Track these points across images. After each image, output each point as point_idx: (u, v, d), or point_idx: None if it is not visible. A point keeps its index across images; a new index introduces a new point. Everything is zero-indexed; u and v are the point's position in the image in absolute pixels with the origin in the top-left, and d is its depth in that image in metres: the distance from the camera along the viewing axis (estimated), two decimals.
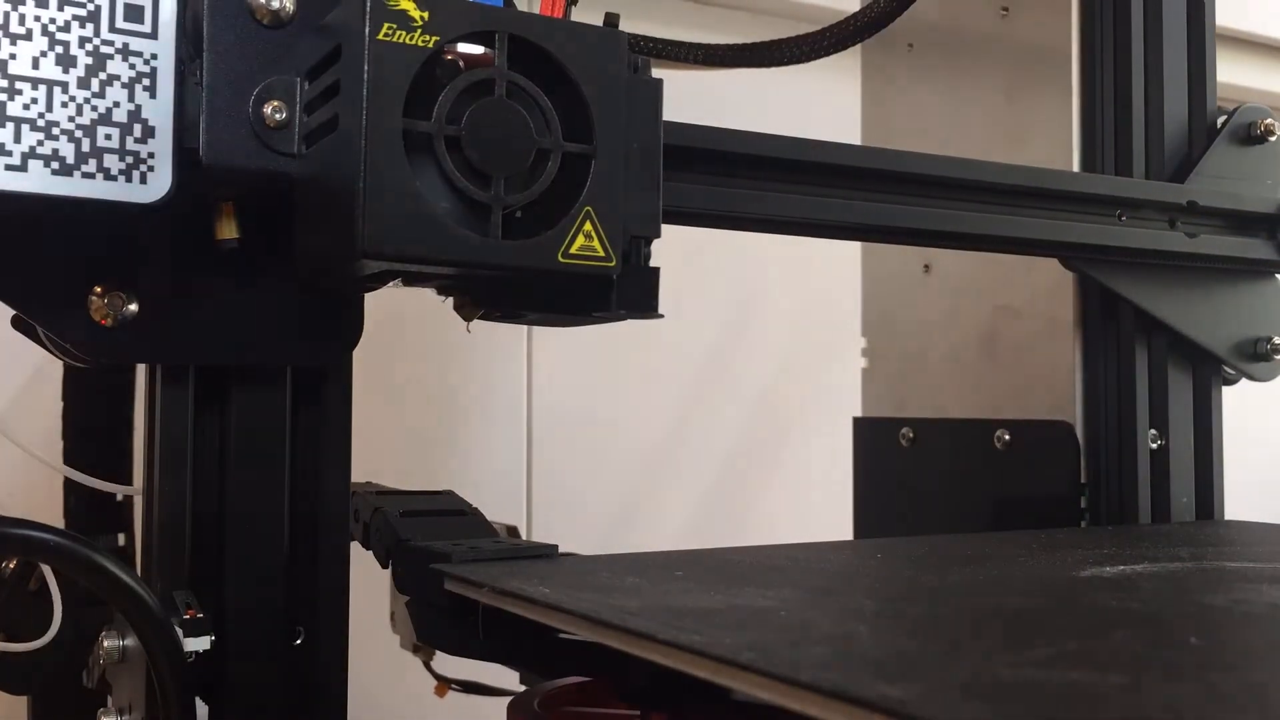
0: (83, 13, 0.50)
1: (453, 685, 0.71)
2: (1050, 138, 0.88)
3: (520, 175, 0.51)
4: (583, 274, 0.51)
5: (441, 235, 0.48)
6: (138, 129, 0.51)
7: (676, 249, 0.65)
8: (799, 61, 0.77)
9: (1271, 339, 0.86)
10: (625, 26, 0.54)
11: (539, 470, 1.27)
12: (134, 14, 0.51)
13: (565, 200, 0.51)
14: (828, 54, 0.77)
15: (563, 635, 0.51)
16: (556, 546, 0.59)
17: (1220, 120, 0.87)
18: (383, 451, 1.03)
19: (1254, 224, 0.84)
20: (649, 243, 0.55)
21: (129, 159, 0.51)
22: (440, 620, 0.54)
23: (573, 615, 0.45)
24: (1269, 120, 0.87)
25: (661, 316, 0.55)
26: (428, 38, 0.48)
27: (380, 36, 0.48)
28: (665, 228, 0.57)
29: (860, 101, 1.09)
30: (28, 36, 0.50)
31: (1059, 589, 0.51)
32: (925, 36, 1.03)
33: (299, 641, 0.57)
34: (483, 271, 0.51)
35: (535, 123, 0.51)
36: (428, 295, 0.61)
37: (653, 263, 0.56)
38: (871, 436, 1.00)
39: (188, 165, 0.52)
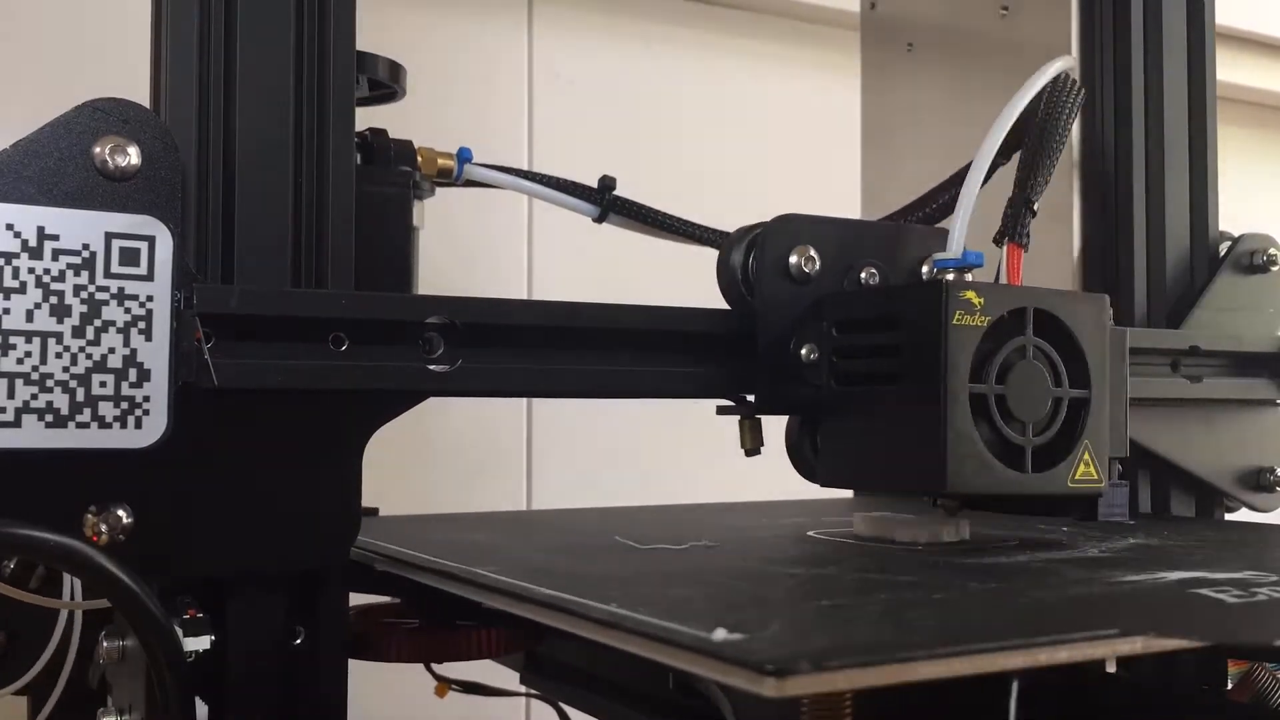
0: (77, 260, 0.49)
1: (453, 685, 0.70)
2: None
3: (1041, 418, 0.59)
4: (1081, 495, 0.60)
5: (993, 472, 0.58)
6: (133, 373, 0.50)
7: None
8: None
9: (1274, 469, 0.85)
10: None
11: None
12: (129, 257, 0.50)
13: (1069, 436, 0.60)
14: None
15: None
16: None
17: (1223, 248, 0.87)
18: None
19: (1256, 363, 0.84)
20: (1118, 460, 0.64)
21: (124, 404, 0.50)
22: None
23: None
24: (1271, 250, 0.87)
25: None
26: (983, 319, 0.57)
27: (955, 322, 0.56)
28: None
29: (860, 101, 1.10)
30: (21, 290, 0.49)
31: None
32: (925, 36, 1.03)
33: (299, 641, 0.57)
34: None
35: (1050, 376, 0.59)
36: None
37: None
38: None
39: (184, 404, 0.51)
